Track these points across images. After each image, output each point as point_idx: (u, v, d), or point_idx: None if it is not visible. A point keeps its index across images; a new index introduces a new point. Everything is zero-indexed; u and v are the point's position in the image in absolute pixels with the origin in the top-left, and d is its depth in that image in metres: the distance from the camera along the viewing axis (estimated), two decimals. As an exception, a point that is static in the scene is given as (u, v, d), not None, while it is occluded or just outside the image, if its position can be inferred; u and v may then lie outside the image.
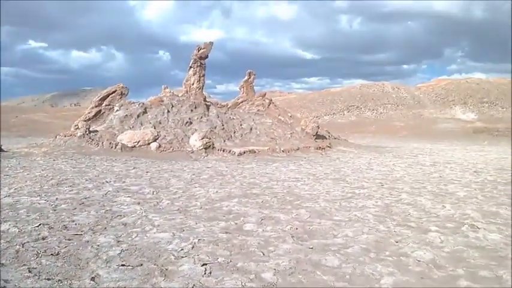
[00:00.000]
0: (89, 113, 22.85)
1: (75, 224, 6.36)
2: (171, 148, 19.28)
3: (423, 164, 17.45)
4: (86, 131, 19.74)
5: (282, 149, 20.71)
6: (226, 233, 6.14)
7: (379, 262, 5.04)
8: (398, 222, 7.10)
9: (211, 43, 25.39)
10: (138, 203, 8.11)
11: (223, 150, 19.30)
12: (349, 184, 11.36)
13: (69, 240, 5.52)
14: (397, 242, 5.88)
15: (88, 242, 5.49)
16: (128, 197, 8.74)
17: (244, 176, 12.49)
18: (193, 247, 5.37)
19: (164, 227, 6.38)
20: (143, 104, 23.34)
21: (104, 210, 7.37)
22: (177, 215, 7.18)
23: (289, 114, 29.73)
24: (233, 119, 24.93)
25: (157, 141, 19.61)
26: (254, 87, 30.11)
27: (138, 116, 22.01)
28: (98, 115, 22.78)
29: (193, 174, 12.62)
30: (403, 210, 8.09)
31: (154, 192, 9.35)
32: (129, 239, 5.70)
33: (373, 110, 79.15)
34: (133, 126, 21.10)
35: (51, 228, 6.07)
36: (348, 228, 6.61)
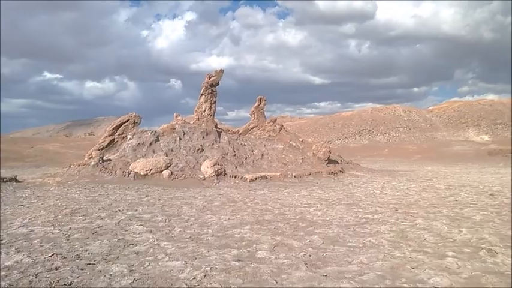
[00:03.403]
0: (102, 142, 23.16)
1: (88, 254, 6.37)
2: (183, 175, 19.35)
3: (438, 187, 17.20)
4: (99, 160, 19.96)
5: (293, 175, 20.64)
6: (239, 260, 6.09)
7: (395, 289, 4.93)
8: (414, 247, 6.97)
9: (222, 70, 25.80)
10: (151, 231, 8.11)
11: (235, 177, 19.30)
12: (362, 209, 11.23)
13: (82, 270, 5.53)
14: (413, 268, 5.76)
15: (101, 271, 5.48)
16: (141, 225, 8.75)
17: (256, 203, 12.44)
18: (205, 275, 5.33)
19: (176, 255, 6.35)
20: (155, 132, 23.61)
21: (116, 239, 7.38)
22: (189, 243, 7.16)
23: (301, 140, 29.76)
24: (244, 145, 25.02)
25: (169, 168, 19.72)
26: (265, 113, 30.35)
27: (150, 144, 22.23)
28: (111, 144, 23.07)
29: (205, 202, 12.61)
30: (419, 235, 7.95)
31: (167, 220, 9.35)
32: (142, 268, 5.69)
33: (385, 133, 78.87)
34: (145, 155, 21.30)
35: (64, 258, 6.09)
36: (363, 254, 6.51)
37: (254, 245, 7.04)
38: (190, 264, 5.84)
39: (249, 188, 16.88)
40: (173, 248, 6.76)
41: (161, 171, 19.43)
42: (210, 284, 5.02)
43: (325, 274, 5.46)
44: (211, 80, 25.13)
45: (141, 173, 19.14)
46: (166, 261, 6.03)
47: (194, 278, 5.24)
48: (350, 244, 7.21)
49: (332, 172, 22.64)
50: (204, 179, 18.85)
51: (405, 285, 5.08)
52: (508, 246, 6.96)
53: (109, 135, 23.43)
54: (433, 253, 6.60)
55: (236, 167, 21.90)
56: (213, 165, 19.59)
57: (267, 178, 19.55)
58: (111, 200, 12.83)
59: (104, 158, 20.70)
